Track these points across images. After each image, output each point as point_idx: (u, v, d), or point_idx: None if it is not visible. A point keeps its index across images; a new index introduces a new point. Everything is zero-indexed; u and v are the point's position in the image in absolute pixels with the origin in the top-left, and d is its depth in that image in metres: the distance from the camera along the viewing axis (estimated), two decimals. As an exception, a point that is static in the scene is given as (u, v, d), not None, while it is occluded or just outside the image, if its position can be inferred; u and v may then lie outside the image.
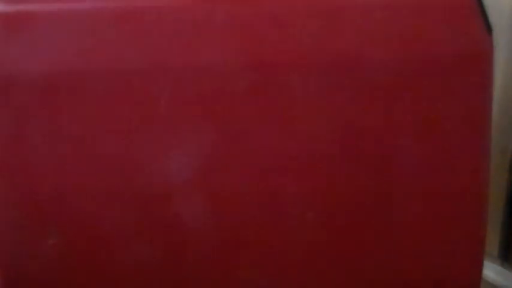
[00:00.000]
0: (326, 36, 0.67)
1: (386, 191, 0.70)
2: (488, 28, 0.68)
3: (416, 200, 0.71)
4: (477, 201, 0.73)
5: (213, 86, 0.66)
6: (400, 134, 0.69)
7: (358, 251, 0.72)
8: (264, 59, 0.67)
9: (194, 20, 0.67)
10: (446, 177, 0.71)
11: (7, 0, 0.65)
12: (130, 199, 0.68)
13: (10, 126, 0.65)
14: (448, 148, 0.70)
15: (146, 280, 0.70)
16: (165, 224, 0.69)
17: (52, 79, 0.65)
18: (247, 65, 0.67)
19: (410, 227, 0.72)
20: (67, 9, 0.66)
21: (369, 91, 0.68)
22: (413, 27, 0.68)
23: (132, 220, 0.68)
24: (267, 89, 0.67)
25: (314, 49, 0.67)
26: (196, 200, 0.69)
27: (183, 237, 0.69)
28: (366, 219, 0.71)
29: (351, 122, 0.68)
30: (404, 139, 0.69)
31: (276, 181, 0.69)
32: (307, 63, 0.67)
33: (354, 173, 0.69)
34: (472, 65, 0.69)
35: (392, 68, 0.68)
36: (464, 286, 0.75)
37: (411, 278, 0.74)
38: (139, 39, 0.66)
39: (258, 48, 0.67)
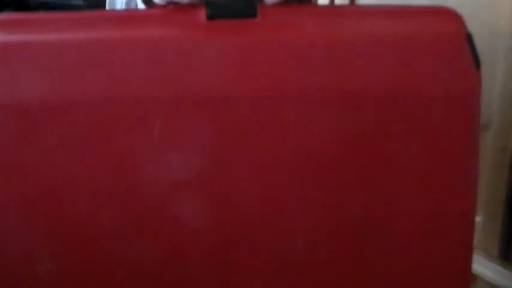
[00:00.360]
0: (321, 69, 0.68)
1: (377, 218, 0.72)
2: (476, 63, 0.69)
3: (405, 227, 0.73)
4: (464, 225, 0.74)
5: (209, 115, 0.67)
6: (389, 163, 0.70)
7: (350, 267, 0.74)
8: (259, 90, 0.68)
9: (191, 51, 0.67)
10: (435, 202, 0.72)
11: (4, 30, 0.67)
12: (127, 214, 0.69)
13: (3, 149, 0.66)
14: (436, 176, 0.71)
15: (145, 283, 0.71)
16: (164, 230, 0.70)
17: (50, 106, 0.66)
18: (243, 94, 0.68)
19: (400, 250, 0.73)
20: (63, 39, 0.67)
21: (361, 121, 0.69)
22: (405, 62, 0.69)
23: (130, 233, 0.69)
24: (262, 118, 0.68)
25: (309, 81, 0.68)
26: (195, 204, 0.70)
27: (182, 240, 0.70)
28: (356, 245, 0.73)
29: (343, 151, 0.70)
30: (395, 168, 0.71)
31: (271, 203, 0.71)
32: (302, 94, 0.68)
33: (346, 199, 0.71)
34: (460, 99, 0.70)
35: (383, 100, 0.69)
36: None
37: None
38: (134, 69, 0.66)
39: (254, 79, 0.68)
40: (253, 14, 0.69)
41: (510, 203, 1.04)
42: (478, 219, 1.05)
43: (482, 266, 1.06)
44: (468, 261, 0.75)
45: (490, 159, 1.04)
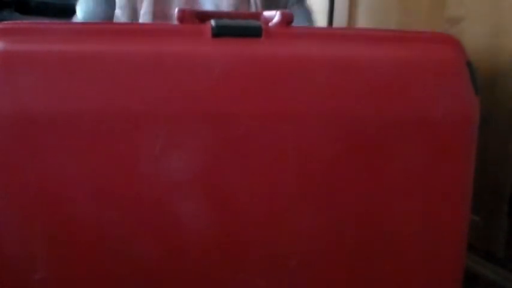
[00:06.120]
0: (322, 90, 0.69)
1: (370, 240, 0.73)
2: (476, 90, 0.70)
3: (398, 251, 0.74)
4: (457, 247, 0.76)
5: (211, 129, 0.68)
6: (387, 181, 0.72)
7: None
8: (261, 107, 0.69)
9: (195, 67, 0.68)
10: (429, 225, 0.74)
11: (7, 39, 0.67)
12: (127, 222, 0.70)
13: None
14: (432, 199, 0.73)
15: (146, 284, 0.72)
16: (165, 231, 0.71)
17: (52, 115, 0.66)
18: (244, 111, 0.69)
19: (393, 253, 0.75)
20: (68, 49, 0.67)
21: (359, 141, 0.70)
22: (405, 86, 0.70)
23: (131, 237, 0.70)
24: (262, 134, 0.69)
25: (309, 101, 0.69)
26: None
27: (182, 240, 0.71)
28: (348, 267, 0.74)
29: (342, 168, 0.71)
30: (391, 185, 0.72)
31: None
32: (302, 113, 0.69)
33: (340, 220, 0.72)
34: (458, 123, 0.71)
35: (383, 122, 0.70)
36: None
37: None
38: (137, 82, 0.67)
39: (256, 96, 0.69)
40: (258, 35, 0.70)
41: (510, 203, 1.04)
42: (478, 219, 1.06)
43: (483, 267, 1.07)
44: (459, 262, 0.77)
45: (490, 159, 1.05)
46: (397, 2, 1.21)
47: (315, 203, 0.71)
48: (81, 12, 1.15)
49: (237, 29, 0.70)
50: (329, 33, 0.75)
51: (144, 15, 1.06)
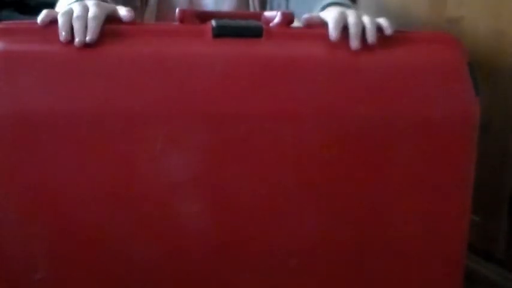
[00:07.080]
0: (323, 90, 0.69)
1: (370, 240, 0.73)
2: (476, 90, 0.70)
3: (399, 251, 0.74)
4: (457, 247, 0.76)
5: (210, 130, 0.68)
6: (387, 179, 0.72)
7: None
8: (260, 107, 0.69)
9: (195, 68, 0.68)
10: (430, 226, 0.74)
11: (7, 39, 0.67)
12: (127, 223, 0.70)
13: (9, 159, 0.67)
14: (432, 199, 0.73)
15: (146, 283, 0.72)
16: (164, 233, 0.71)
17: (52, 116, 0.66)
18: (243, 113, 0.69)
19: (393, 254, 0.75)
20: (68, 50, 0.67)
21: (359, 145, 0.70)
22: (407, 86, 0.70)
23: (130, 237, 0.70)
24: (261, 134, 0.69)
25: (310, 101, 0.69)
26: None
27: (182, 240, 0.71)
28: (347, 268, 0.74)
29: (342, 167, 0.71)
30: (392, 184, 0.72)
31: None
32: (303, 113, 0.69)
33: (340, 221, 0.72)
34: (458, 123, 0.71)
35: (383, 122, 0.70)
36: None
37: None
38: (137, 83, 0.67)
39: (255, 97, 0.69)
40: (259, 35, 0.70)
41: (510, 203, 1.04)
42: (478, 219, 1.06)
43: (483, 267, 1.07)
44: (459, 262, 0.77)
45: (490, 160, 1.05)
46: (397, 2, 1.21)
47: (315, 203, 0.71)
48: None
49: (237, 29, 0.70)
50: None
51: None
